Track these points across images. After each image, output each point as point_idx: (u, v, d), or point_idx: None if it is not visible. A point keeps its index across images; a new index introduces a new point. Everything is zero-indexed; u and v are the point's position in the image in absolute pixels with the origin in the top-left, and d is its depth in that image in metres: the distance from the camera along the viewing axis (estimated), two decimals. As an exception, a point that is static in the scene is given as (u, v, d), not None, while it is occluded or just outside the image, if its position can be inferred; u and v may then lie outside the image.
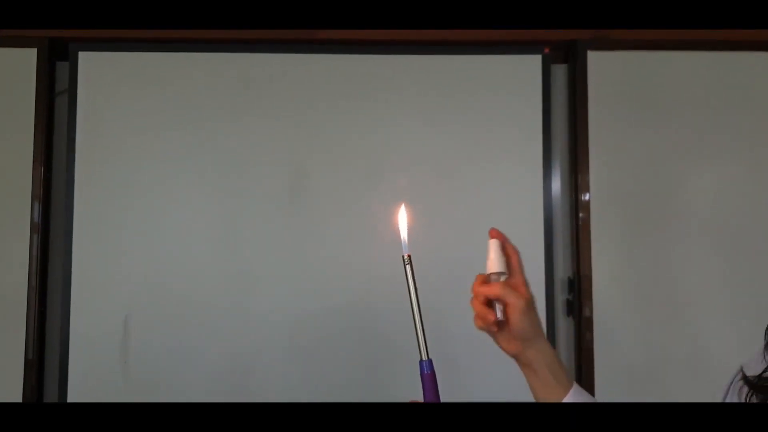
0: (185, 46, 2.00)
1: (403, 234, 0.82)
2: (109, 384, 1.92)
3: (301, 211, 1.98)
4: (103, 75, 1.99)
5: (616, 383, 1.96)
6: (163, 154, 1.98)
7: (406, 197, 1.97)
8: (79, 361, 1.91)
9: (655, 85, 2.04)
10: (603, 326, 1.97)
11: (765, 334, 0.82)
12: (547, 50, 2.03)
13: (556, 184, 2.06)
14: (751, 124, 2.03)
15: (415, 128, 2.01)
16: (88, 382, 1.91)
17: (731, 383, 0.84)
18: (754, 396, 0.78)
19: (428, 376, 0.78)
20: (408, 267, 0.80)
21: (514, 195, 2.00)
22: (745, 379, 0.81)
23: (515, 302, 0.82)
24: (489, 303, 0.84)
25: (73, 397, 1.90)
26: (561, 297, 2.03)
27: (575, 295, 2.00)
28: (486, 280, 0.84)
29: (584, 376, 1.95)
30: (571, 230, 2.04)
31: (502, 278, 0.84)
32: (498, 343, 0.86)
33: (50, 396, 1.97)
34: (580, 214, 2.00)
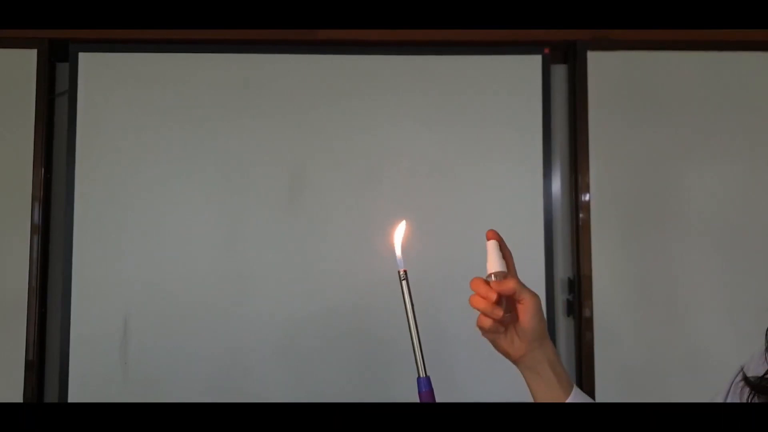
0: (185, 47, 2.00)
1: (398, 250, 0.81)
2: (110, 385, 1.92)
3: (300, 212, 1.98)
4: (103, 76, 1.99)
5: (616, 383, 1.96)
6: (163, 155, 1.98)
7: (405, 198, 1.98)
8: (79, 361, 1.91)
9: (655, 85, 2.04)
10: (603, 326, 1.97)
11: (766, 334, 0.82)
12: (547, 51, 2.03)
13: (556, 185, 2.06)
14: (751, 124, 2.03)
15: (415, 129, 2.01)
16: (89, 382, 1.91)
17: (731, 384, 0.83)
18: (756, 397, 0.78)
19: (426, 395, 0.76)
20: (404, 282, 0.79)
21: (514, 195, 2.00)
22: (747, 380, 0.80)
23: (530, 298, 0.80)
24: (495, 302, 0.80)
25: (73, 397, 1.90)
26: (561, 297, 2.03)
27: (575, 296, 2.00)
28: (485, 281, 0.82)
29: (584, 376, 1.95)
30: (571, 230, 2.04)
31: (501, 278, 0.82)
32: (500, 346, 0.83)
33: (51, 396, 1.97)
34: (580, 215, 2.00)
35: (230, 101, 2.00)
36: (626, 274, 2.01)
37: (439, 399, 0.77)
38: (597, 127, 2.02)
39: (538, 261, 1.98)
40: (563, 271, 2.05)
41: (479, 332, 0.83)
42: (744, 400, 0.79)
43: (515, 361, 0.84)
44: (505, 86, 2.03)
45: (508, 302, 0.81)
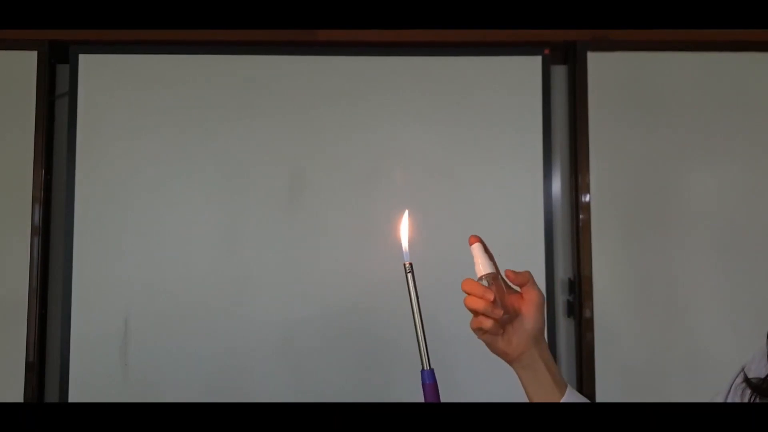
0: (185, 48, 2.01)
1: (405, 242, 0.81)
2: (110, 386, 1.92)
3: (300, 212, 1.98)
4: (103, 77, 1.99)
5: (616, 383, 1.96)
6: (163, 157, 1.98)
7: (406, 199, 1.98)
8: (79, 363, 1.91)
9: (655, 85, 2.04)
10: (603, 327, 1.97)
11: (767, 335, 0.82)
12: (547, 51, 2.04)
13: (557, 185, 2.06)
14: (751, 125, 2.03)
15: (415, 129, 2.01)
16: (89, 384, 1.91)
17: (732, 385, 0.83)
18: (758, 399, 0.78)
19: (430, 387, 0.76)
20: (409, 275, 0.79)
21: (514, 196, 2.00)
22: (748, 381, 0.80)
23: (538, 294, 0.80)
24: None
25: (73, 398, 1.90)
26: (561, 298, 2.03)
27: (576, 296, 2.00)
28: (478, 282, 0.81)
29: (585, 376, 1.95)
30: (572, 231, 2.04)
31: (490, 280, 0.82)
32: (497, 347, 0.82)
33: (51, 398, 1.97)
34: (581, 215, 2.00)
35: (230, 102, 2.00)
36: (626, 274, 2.01)
37: (440, 388, 0.77)
38: (597, 128, 2.02)
39: (539, 261, 1.98)
40: (563, 271, 2.05)
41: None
42: (745, 401, 0.79)
43: (511, 361, 0.83)
44: (505, 87, 2.03)
45: (503, 302, 0.81)
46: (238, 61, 2.01)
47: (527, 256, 1.97)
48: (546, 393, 0.82)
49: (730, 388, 0.83)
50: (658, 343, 1.99)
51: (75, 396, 1.90)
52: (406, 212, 0.83)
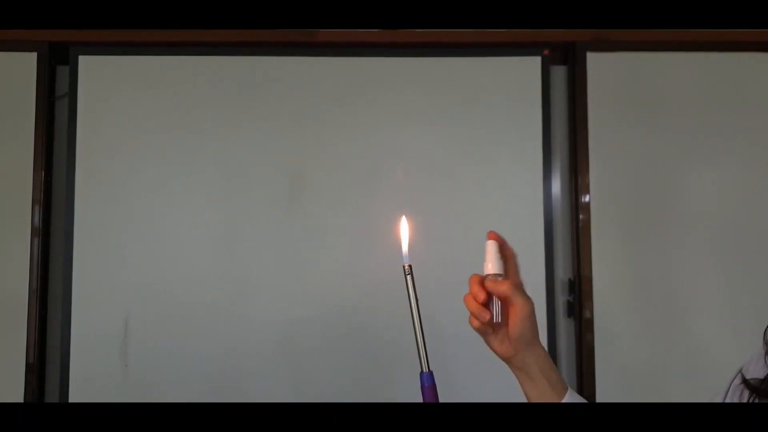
0: (185, 49, 2.01)
1: (404, 245, 0.82)
2: (110, 387, 1.92)
3: (300, 213, 1.98)
4: (103, 79, 1.99)
5: (616, 384, 1.96)
6: (162, 158, 1.98)
7: (405, 199, 1.98)
8: (79, 364, 1.91)
9: (655, 86, 2.04)
10: (603, 327, 1.97)
11: (764, 336, 0.82)
12: (546, 52, 2.04)
13: (556, 186, 2.06)
14: (751, 125, 2.03)
15: (414, 130, 2.01)
16: (89, 385, 1.91)
17: (730, 386, 0.83)
18: (756, 400, 0.78)
19: (429, 389, 0.77)
20: (409, 277, 0.79)
21: (514, 197, 2.00)
22: (746, 382, 0.80)
23: (522, 304, 0.80)
24: (485, 303, 0.82)
25: (74, 399, 1.90)
26: (561, 298, 2.03)
27: (576, 297, 2.00)
28: (482, 281, 0.82)
29: (585, 377, 1.95)
30: (572, 232, 2.04)
31: (499, 279, 0.82)
32: (489, 344, 0.84)
33: (51, 399, 1.97)
34: (580, 216, 2.00)
35: (230, 103, 2.00)
36: (626, 274, 2.01)
37: (439, 390, 0.78)
38: (597, 128, 2.02)
39: (539, 262, 1.98)
40: (563, 272, 2.05)
41: (477, 333, 0.84)
42: (743, 402, 0.79)
43: (506, 361, 0.84)
44: (505, 87, 2.03)
45: (502, 304, 0.82)
46: (238, 62, 2.01)
47: (527, 256, 1.95)
48: (543, 396, 0.82)
49: (728, 389, 0.83)
50: (658, 343, 1.99)
51: (75, 397, 1.90)
52: (403, 218, 0.84)
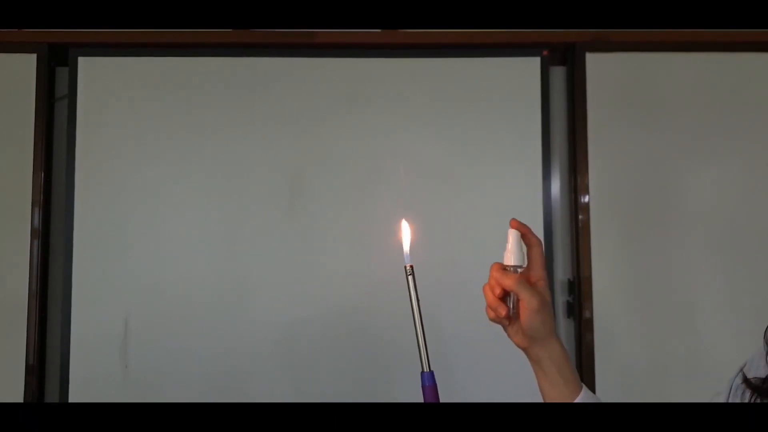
0: (184, 50, 2.01)
1: (406, 245, 0.82)
2: (110, 388, 1.92)
3: (300, 214, 1.98)
4: (102, 80, 1.99)
5: (616, 383, 1.96)
6: (162, 159, 1.98)
7: (404, 200, 1.98)
8: (79, 365, 1.91)
9: (654, 86, 2.05)
10: (603, 327, 1.97)
11: (765, 334, 0.82)
12: (545, 52, 2.04)
13: (556, 186, 2.06)
14: (750, 125, 2.03)
15: (413, 131, 2.01)
16: (89, 386, 1.91)
17: (731, 386, 0.83)
18: (758, 399, 0.77)
19: (430, 389, 0.77)
20: (410, 278, 0.79)
21: (513, 197, 2.00)
22: (747, 381, 0.80)
23: (528, 299, 0.79)
24: (504, 294, 0.81)
25: (74, 400, 1.90)
26: (561, 298, 2.03)
27: (575, 297, 2.00)
28: (503, 269, 0.81)
29: (585, 377, 1.95)
30: (571, 232, 2.04)
31: (519, 271, 0.81)
32: (507, 333, 0.83)
33: (51, 400, 1.97)
34: (580, 216, 2.00)
35: (229, 104, 2.00)
36: (626, 275, 2.01)
37: (440, 390, 0.78)
38: (596, 129, 2.02)
39: (538, 262, 1.97)
40: (563, 272, 2.05)
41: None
42: (745, 401, 0.79)
43: (524, 351, 0.84)
44: (504, 88, 2.03)
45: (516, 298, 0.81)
46: (237, 63, 2.01)
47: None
48: (557, 392, 0.82)
49: (730, 389, 0.83)
50: (657, 343, 1.99)
51: (75, 397, 1.90)
52: (404, 221, 0.84)
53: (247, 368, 1.94)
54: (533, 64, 2.04)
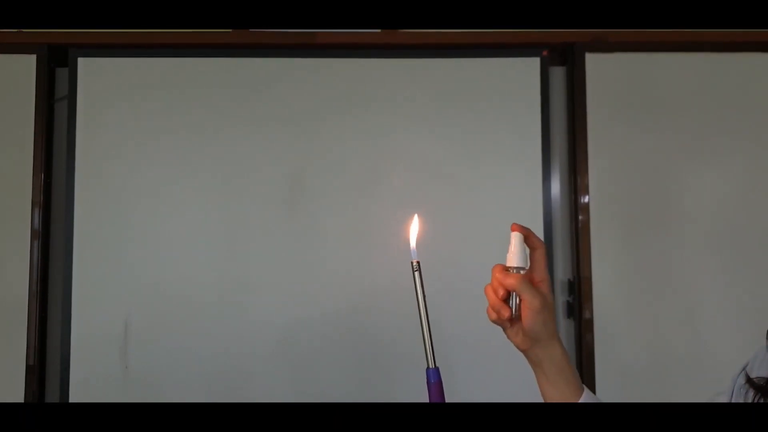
0: (184, 51, 2.01)
1: (413, 241, 0.81)
2: (110, 388, 1.92)
3: (300, 214, 1.98)
4: (102, 81, 1.99)
5: (616, 383, 1.96)
6: (162, 160, 1.98)
7: (405, 200, 1.98)
8: (79, 366, 1.91)
9: (654, 86, 2.05)
10: (603, 328, 1.97)
11: (767, 335, 0.81)
12: (545, 53, 2.04)
13: (556, 187, 2.06)
14: (750, 125, 2.03)
15: (413, 131, 2.01)
16: (89, 386, 1.91)
17: (734, 385, 0.83)
18: (762, 399, 0.77)
19: (435, 385, 0.76)
20: (417, 273, 0.79)
21: (513, 197, 2.00)
22: (750, 381, 0.80)
23: (531, 299, 0.78)
24: (506, 296, 0.80)
25: (74, 401, 1.90)
26: (561, 299, 2.03)
27: (575, 297, 2.00)
28: (505, 270, 0.81)
29: (585, 377, 1.95)
30: (571, 232, 2.04)
31: (521, 273, 0.80)
32: (507, 334, 0.83)
33: (51, 401, 1.97)
34: (580, 216, 2.00)
35: (229, 105, 2.00)
36: (626, 275, 2.01)
37: (444, 389, 0.78)
38: (596, 129, 2.02)
39: (538, 263, 1.97)
40: (563, 272, 2.05)
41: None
42: (747, 401, 0.79)
43: (523, 353, 0.83)
44: (504, 88, 2.03)
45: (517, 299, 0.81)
46: (238, 64, 2.01)
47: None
48: (557, 394, 0.81)
49: (734, 388, 0.82)
50: (658, 343, 1.99)
51: (75, 398, 1.90)
52: (416, 216, 0.83)
53: (247, 368, 1.94)
54: (533, 64, 2.04)
